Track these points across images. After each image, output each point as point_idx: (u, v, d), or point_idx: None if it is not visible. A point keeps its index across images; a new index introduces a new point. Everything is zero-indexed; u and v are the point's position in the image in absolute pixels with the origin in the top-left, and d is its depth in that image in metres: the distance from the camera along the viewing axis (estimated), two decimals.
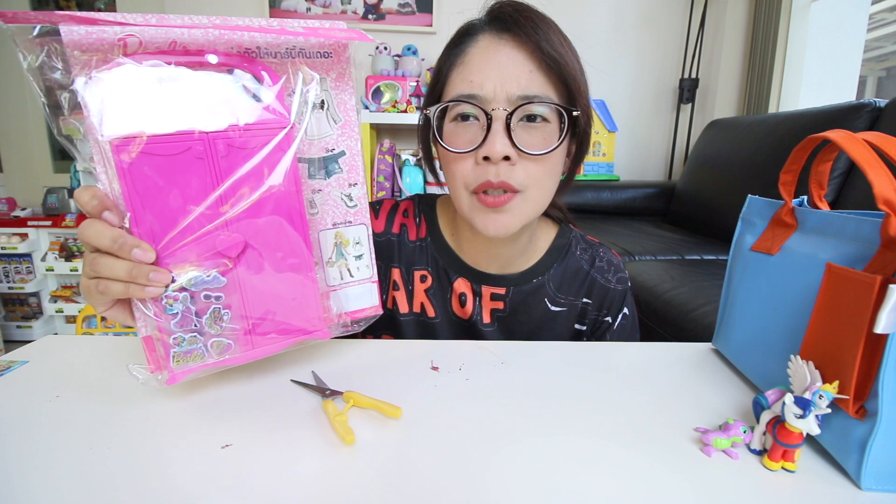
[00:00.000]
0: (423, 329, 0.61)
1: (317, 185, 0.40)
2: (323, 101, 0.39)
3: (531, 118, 0.46)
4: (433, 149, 0.56)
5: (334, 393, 0.42)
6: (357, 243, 0.43)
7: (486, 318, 0.59)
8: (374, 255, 0.45)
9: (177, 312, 0.36)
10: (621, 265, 0.62)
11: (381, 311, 0.46)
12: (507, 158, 0.45)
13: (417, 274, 0.60)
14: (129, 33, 0.32)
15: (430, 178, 1.52)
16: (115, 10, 2.27)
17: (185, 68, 0.34)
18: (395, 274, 0.61)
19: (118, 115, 0.32)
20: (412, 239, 0.60)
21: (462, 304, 0.59)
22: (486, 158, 0.46)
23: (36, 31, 0.31)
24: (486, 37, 0.48)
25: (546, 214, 0.63)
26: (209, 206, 0.35)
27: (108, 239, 0.33)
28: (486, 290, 0.58)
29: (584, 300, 0.60)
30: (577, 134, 0.50)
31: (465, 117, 0.47)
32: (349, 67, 0.40)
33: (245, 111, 0.35)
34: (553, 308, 0.60)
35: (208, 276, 0.36)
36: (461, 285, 0.59)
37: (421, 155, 0.58)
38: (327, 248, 0.42)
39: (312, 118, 0.39)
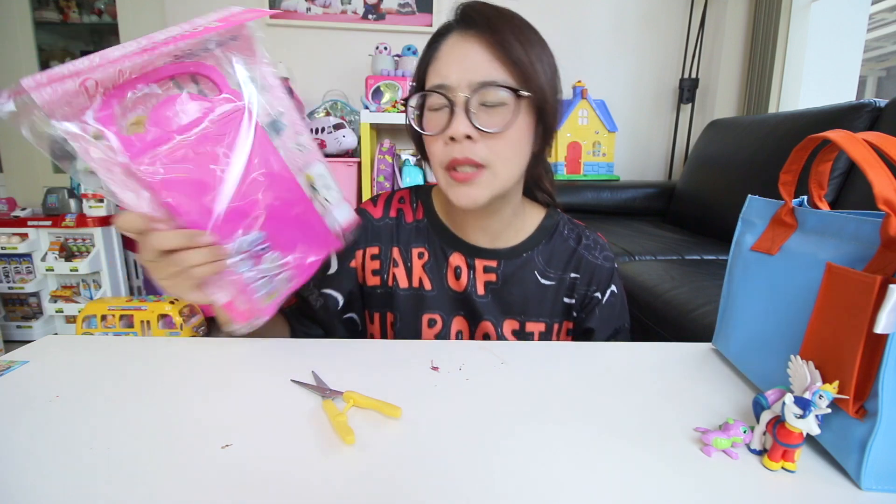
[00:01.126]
0: (421, 302, 0.64)
1: (277, 144, 0.47)
2: (251, 78, 0.45)
3: (491, 103, 0.52)
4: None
5: (334, 393, 0.42)
6: (321, 176, 0.50)
7: (480, 290, 0.64)
8: (336, 181, 0.52)
9: (246, 269, 0.46)
10: (607, 245, 0.67)
11: (359, 219, 0.54)
12: (469, 137, 0.52)
13: (415, 251, 0.65)
14: (85, 77, 0.36)
15: (431, 178, 1.52)
16: (114, 10, 2.27)
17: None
18: (395, 253, 0.66)
19: (126, 143, 0.38)
20: (409, 221, 0.66)
21: (457, 277, 0.64)
22: (452, 139, 0.52)
23: (13, 107, 0.35)
24: (455, 35, 0.54)
25: (534, 198, 0.69)
26: (226, 186, 0.42)
27: (177, 239, 0.41)
28: (479, 263, 0.63)
29: (573, 275, 0.64)
30: (540, 112, 0.56)
31: (436, 107, 0.54)
32: (255, 43, 0.45)
33: (207, 108, 0.42)
34: (543, 281, 0.64)
35: (252, 237, 0.45)
36: (456, 259, 0.64)
37: (414, 146, 0.64)
38: (304, 188, 0.49)
39: (250, 92, 0.44)
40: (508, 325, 0.64)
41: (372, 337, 0.69)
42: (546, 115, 0.56)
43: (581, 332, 0.65)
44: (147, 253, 0.42)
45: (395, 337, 0.67)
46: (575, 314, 0.65)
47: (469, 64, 0.52)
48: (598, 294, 0.64)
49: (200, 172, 0.41)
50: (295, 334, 0.65)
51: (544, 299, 0.64)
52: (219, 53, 0.43)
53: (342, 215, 0.52)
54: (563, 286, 0.64)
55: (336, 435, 0.36)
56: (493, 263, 0.63)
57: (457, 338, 0.63)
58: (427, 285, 0.65)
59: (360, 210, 0.67)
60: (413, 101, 0.57)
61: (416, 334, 0.65)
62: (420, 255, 0.65)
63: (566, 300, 0.64)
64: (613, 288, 0.65)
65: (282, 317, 0.65)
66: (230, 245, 0.44)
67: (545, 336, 0.64)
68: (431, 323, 0.64)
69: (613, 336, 0.66)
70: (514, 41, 0.52)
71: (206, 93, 0.42)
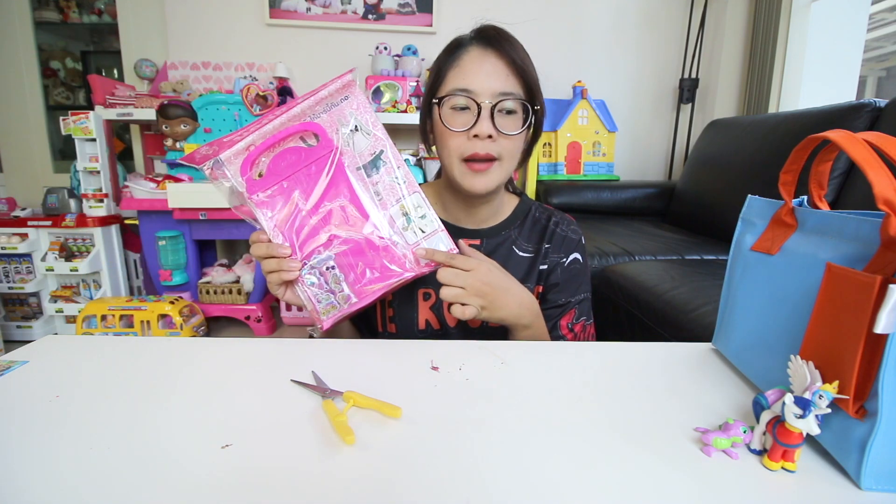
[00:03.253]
0: (416, 279, 0.72)
1: (375, 179, 0.57)
2: (356, 126, 0.56)
3: (508, 111, 0.63)
4: (428, 127, 0.72)
5: (334, 393, 0.42)
6: (417, 207, 0.58)
7: None
8: (433, 211, 0.59)
9: (314, 283, 0.56)
10: (574, 223, 0.78)
11: (456, 248, 0.60)
12: (489, 137, 0.62)
13: None
14: (250, 143, 0.54)
15: (430, 178, 1.52)
16: (114, 10, 2.27)
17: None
18: None
19: (250, 184, 0.54)
20: None
21: None
22: (475, 136, 0.62)
23: (212, 164, 0.54)
24: (476, 49, 0.64)
25: (508, 189, 0.80)
26: (313, 214, 0.56)
27: (260, 249, 0.56)
28: (464, 242, 0.70)
29: (546, 245, 0.74)
30: (534, 123, 0.67)
31: (460, 107, 0.64)
32: (361, 95, 0.56)
33: (310, 153, 0.56)
34: (521, 254, 0.74)
35: (324, 256, 0.56)
36: None
37: (420, 136, 0.74)
38: (398, 218, 0.57)
39: (353, 138, 0.56)
40: None
41: (371, 316, 0.74)
42: (538, 126, 0.69)
43: (547, 289, 0.74)
44: (255, 255, 0.57)
45: (396, 314, 0.72)
46: (544, 279, 0.74)
47: (492, 75, 0.62)
48: (563, 259, 0.75)
49: (287, 205, 0.55)
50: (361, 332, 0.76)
51: (523, 268, 0.73)
52: (333, 111, 0.56)
53: (437, 244, 0.58)
54: (539, 255, 0.74)
55: (336, 435, 0.36)
56: (477, 242, 0.73)
57: (449, 309, 0.66)
58: None
59: None
60: (440, 99, 0.66)
61: (413, 307, 0.71)
62: None
63: (541, 267, 0.74)
64: (577, 256, 0.75)
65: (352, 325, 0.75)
66: (305, 260, 0.56)
67: None
68: (427, 296, 0.71)
69: (578, 303, 0.74)
70: (524, 62, 0.64)
71: (311, 143, 0.56)
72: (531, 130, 0.68)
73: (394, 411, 0.39)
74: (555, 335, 0.70)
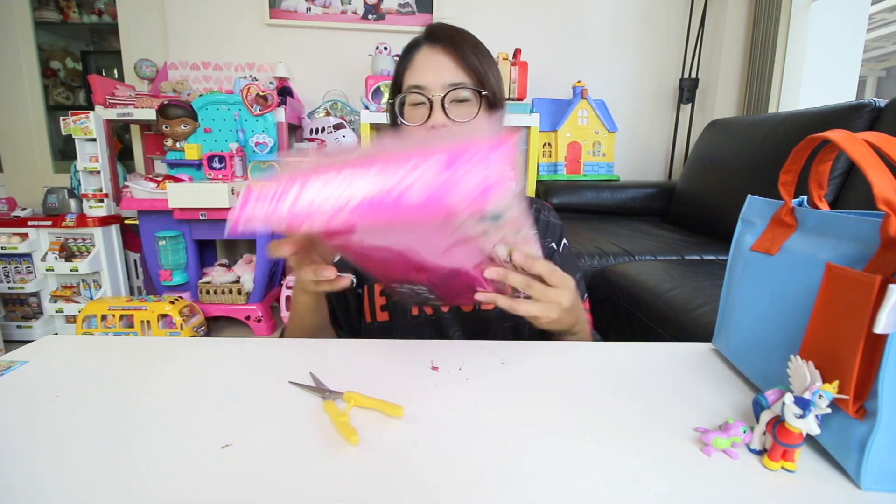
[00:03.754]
0: None
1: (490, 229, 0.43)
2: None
3: (460, 101, 0.67)
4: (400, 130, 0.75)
5: (334, 393, 0.42)
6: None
7: None
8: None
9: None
10: (552, 208, 0.81)
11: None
12: (445, 126, 0.65)
13: None
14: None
15: None
16: (114, 10, 2.27)
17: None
18: None
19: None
20: None
21: None
22: (432, 128, 0.66)
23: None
24: (426, 48, 0.68)
25: None
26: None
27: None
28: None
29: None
30: (493, 104, 0.69)
31: (416, 103, 0.68)
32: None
33: None
34: None
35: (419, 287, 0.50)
36: None
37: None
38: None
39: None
40: None
41: (364, 309, 0.74)
42: (498, 104, 0.71)
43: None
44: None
45: (388, 301, 0.73)
46: None
47: (440, 69, 0.66)
48: (553, 245, 0.77)
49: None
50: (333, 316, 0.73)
51: None
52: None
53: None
54: None
55: (339, 435, 0.36)
56: None
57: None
58: None
59: None
60: (397, 99, 0.70)
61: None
62: None
63: None
64: (565, 241, 0.78)
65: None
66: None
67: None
68: None
69: (577, 283, 0.68)
70: (471, 54, 0.67)
71: None
72: (493, 110, 0.70)
73: (396, 410, 0.39)
74: None
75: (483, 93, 0.67)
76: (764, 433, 0.34)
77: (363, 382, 0.44)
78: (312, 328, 0.64)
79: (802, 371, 0.32)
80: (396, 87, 0.71)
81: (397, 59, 0.73)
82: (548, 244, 0.77)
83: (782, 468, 0.33)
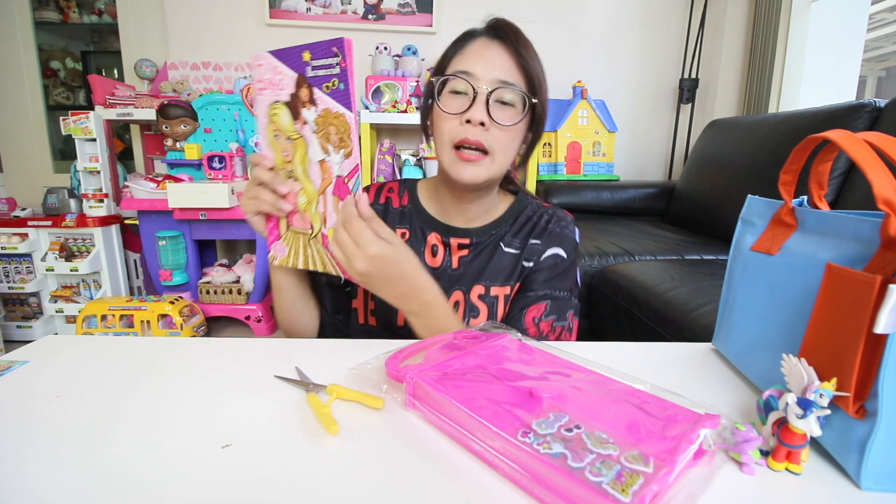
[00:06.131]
0: None
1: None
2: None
3: (505, 102, 0.62)
4: (429, 121, 0.70)
5: (318, 387, 0.43)
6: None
7: (455, 264, 0.72)
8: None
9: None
10: (572, 221, 0.75)
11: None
12: (482, 124, 0.61)
13: (398, 231, 0.74)
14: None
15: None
16: (114, 10, 2.27)
17: None
18: None
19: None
20: (395, 206, 0.76)
21: (434, 254, 0.73)
22: (468, 121, 0.61)
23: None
24: (483, 38, 0.64)
25: (507, 189, 0.78)
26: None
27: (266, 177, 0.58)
28: (454, 241, 0.71)
29: (533, 241, 0.72)
30: (534, 121, 0.66)
31: (457, 90, 0.63)
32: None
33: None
34: (507, 250, 0.72)
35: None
36: (433, 238, 0.73)
37: (420, 121, 0.72)
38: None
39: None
40: (475, 291, 0.70)
41: (355, 310, 0.74)
42: (539, 124, 0.67)
43: (524, 278, 0.70)
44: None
45: (378, 307, 0.72)
46: (524, 275, 0.71)
47: (495, 63, 0.62)
48: (559, 252, 0.71)
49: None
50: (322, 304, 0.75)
51: (507, 265, 0.71)
52: None
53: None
54: (524, 251, 0.71)
55: (320, 425, 0.37)
56: (466, 241, 0.72)
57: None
58: None
59: None
60: (438, 80, 0.65)
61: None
62: (402, 235, 0.74)
63: (525, 263, 0.71)
64: (559, 251, 0.71)
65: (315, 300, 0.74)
66: None
67: (508, 297, 0.71)
68: None
69: (552, 299, 0.68)
70: (530, 57, 0.63)
71: None
72: (531, 128, 0.67)
73: (376, 402, 0.40)
74: (517, 325, 0.66)
75: (534, 101, 0.63)
76: (772, 434, 0.34)
77: (347, 377, 0.45)
78: (294, 303, 0.68)
79: (798, 370, 0.32)
80: (440, 70, 0.67)
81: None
82: (542, 252, 0.70)
83: (786, 469, 0.33)
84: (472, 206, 0.71)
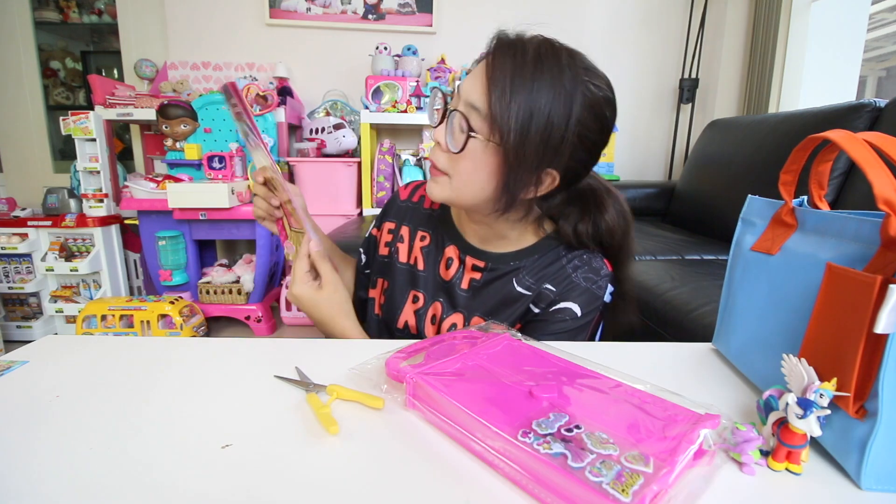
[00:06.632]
0: (412, 278, 0.72)
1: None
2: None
3: (464, 127, 0.55)
4: None
5: (318, 387, 0.43)
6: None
7: (464, 285, 0.68)
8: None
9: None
10: (604, 272, 0.63)
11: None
12: (438, 144, 0.59)
13: (420, 233, 0.74)
14: None
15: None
16: (114, 10, 2.27)
17: None
18: (404, 230, 0.76)
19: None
20: (426, 207, 0.76)
21: (448, 266, 0.70)
22: (434, 140, 0.60)
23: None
24: (488, 54, 0.56)
25: (540, 225, 0.68)
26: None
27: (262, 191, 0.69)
28: (470, 261, 0.68)
29: (548, 286, 0.63)
30: (511, 159, 0.53)
31: (437, 106, 0.62)
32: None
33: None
34: (519, 289, 0.65)
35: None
36: (450, 251, 0.70)
37: None
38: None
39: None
40: (475, 322, 0.66)
41: (372, 300, 0.77)
42: (516, 163, 0.53)
43: (525, 323, 0.65)
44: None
45: (385, 302, 0.73)
46: (527, 319, 0.65)
47: (474, 83, 0.55)
48: (558, 306, 0.62)
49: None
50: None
51: (514, 306, 0.64)
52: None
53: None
54: (535, 295, 0.64)
55: (320, 425, 0.37)
56: (482, 264, 0.67)
57: (431, 321, 0.68)
58: (420, 265, 0.72)
59: (395, 191, 0.81)
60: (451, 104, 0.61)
61: (400, 302, 0.71)
62: (422, 238, 0.73)
63: (533, 308, 0.64)
64: (574, 308, 0.61)
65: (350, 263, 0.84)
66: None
67: None
68: (416, 299, 0.71)
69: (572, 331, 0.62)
70: (507, 78, 0.51)
71: None
72: (510, 167, 0.54)
73: (376, 402, 0.40)
74: None
75: (472, 134, 0.54)
76: (773, 434, 0.34)
77: (346, 377, 0.45)
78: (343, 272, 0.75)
79: (798, 370, 0.32)
80: None
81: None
82: (554, 303, 0.62)
83: (787, 469, 0.33)
84: (480, 227, 0.66)
